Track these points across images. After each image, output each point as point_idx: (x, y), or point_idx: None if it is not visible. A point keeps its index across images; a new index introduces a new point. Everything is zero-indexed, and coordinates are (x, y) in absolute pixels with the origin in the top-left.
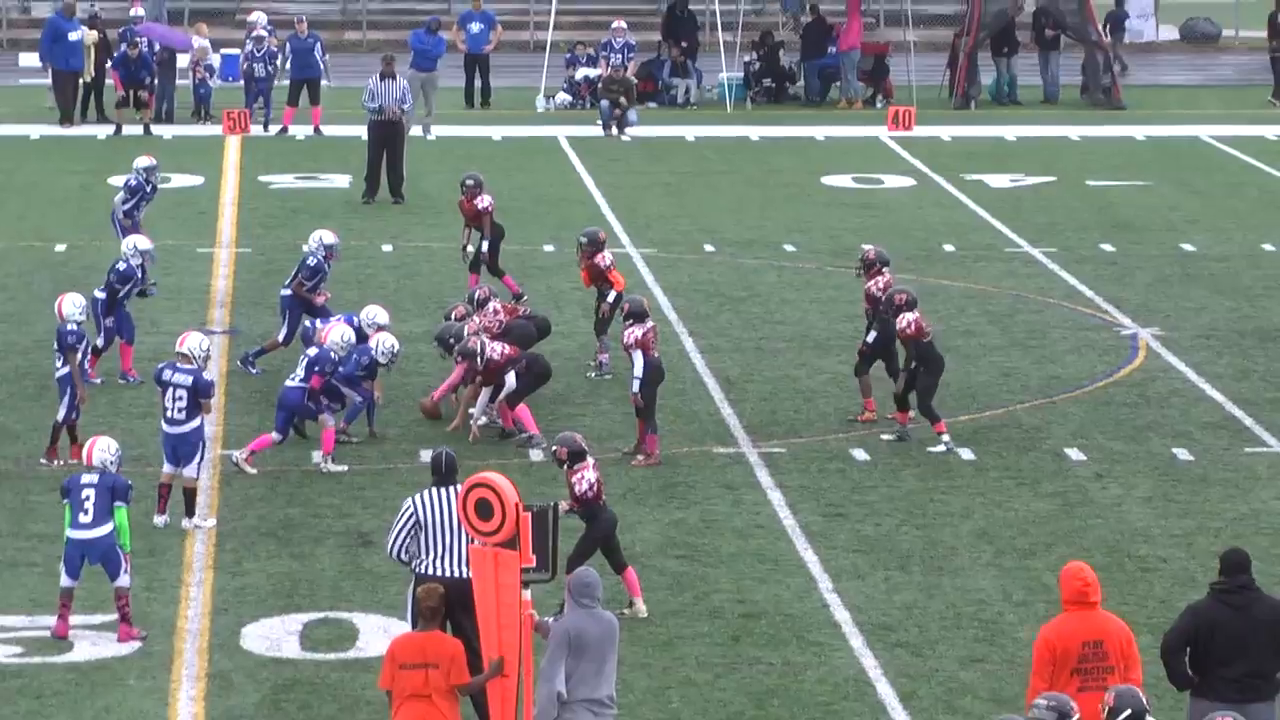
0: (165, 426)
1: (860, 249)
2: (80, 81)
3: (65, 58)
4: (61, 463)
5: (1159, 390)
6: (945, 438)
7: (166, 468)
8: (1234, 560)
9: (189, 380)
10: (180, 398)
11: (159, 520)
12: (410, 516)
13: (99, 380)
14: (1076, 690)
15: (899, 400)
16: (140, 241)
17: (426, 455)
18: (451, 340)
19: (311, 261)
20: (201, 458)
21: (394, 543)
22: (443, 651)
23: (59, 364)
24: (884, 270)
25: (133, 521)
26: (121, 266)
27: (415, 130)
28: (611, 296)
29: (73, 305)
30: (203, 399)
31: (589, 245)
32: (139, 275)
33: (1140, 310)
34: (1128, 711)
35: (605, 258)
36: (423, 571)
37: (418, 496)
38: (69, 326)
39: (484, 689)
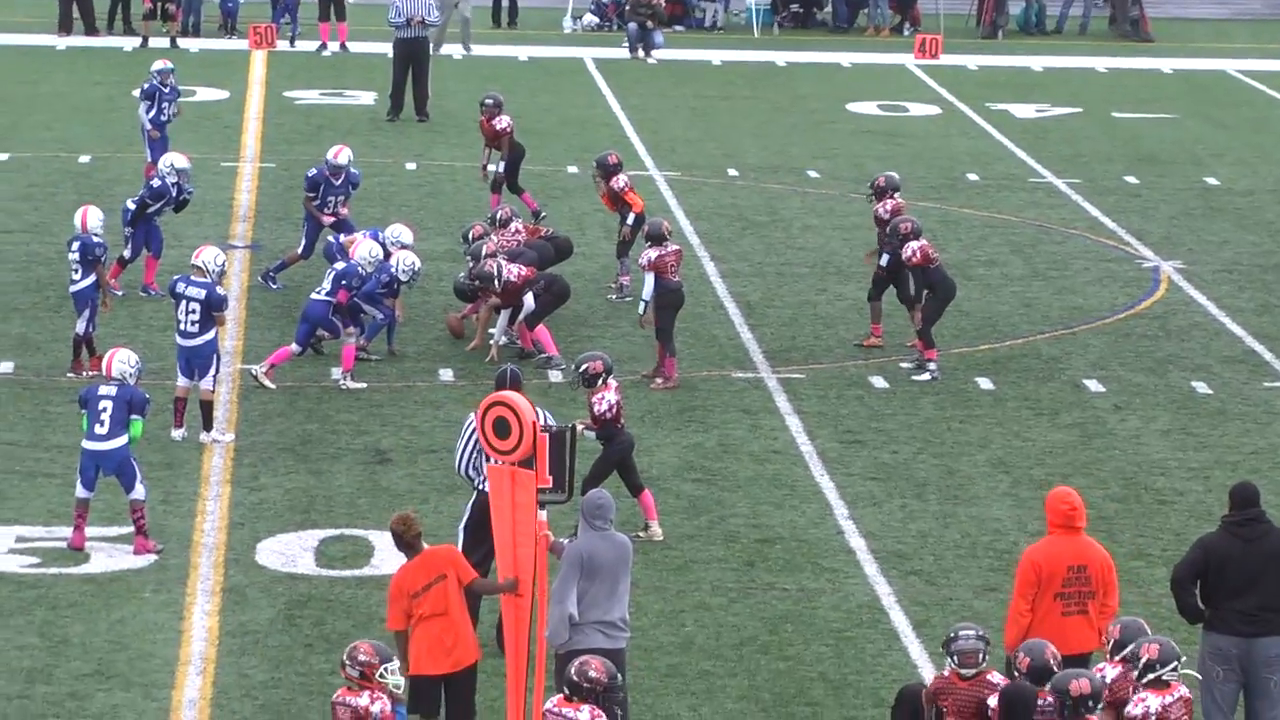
0: (179, 339)
1: (875, 176)
2: None
3: None
4: (86, 374)
5: (1179, 323)
6: (933, 366)
7: (181, 381)
8: (1244, 494)
9: (202, 293)
10: (193, 310)
11: (176, 434)
12: (472, 432)
13: (121, 292)
14: (1060, 614)
15: (924, 335)
16: (178, 160)
17: (446, 374)
18: (468, 276)
19: (311, 173)
20: (217, 370)
21: (461, 460)
22: (442, 558)
23: (75, 276)
24: (894, 195)
25: (149, 435)
26: (156, 183)
27: (453, 48)
28: (631, 219)
29: (96, 218)
30: (215, 312)
31: (600, 170)
32: (173, 194)
33: (1163, 243)
34: (1132, 645)
35: (620, 180)
36: (485, 489)
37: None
38: (94, 239)
39: (492, 594)
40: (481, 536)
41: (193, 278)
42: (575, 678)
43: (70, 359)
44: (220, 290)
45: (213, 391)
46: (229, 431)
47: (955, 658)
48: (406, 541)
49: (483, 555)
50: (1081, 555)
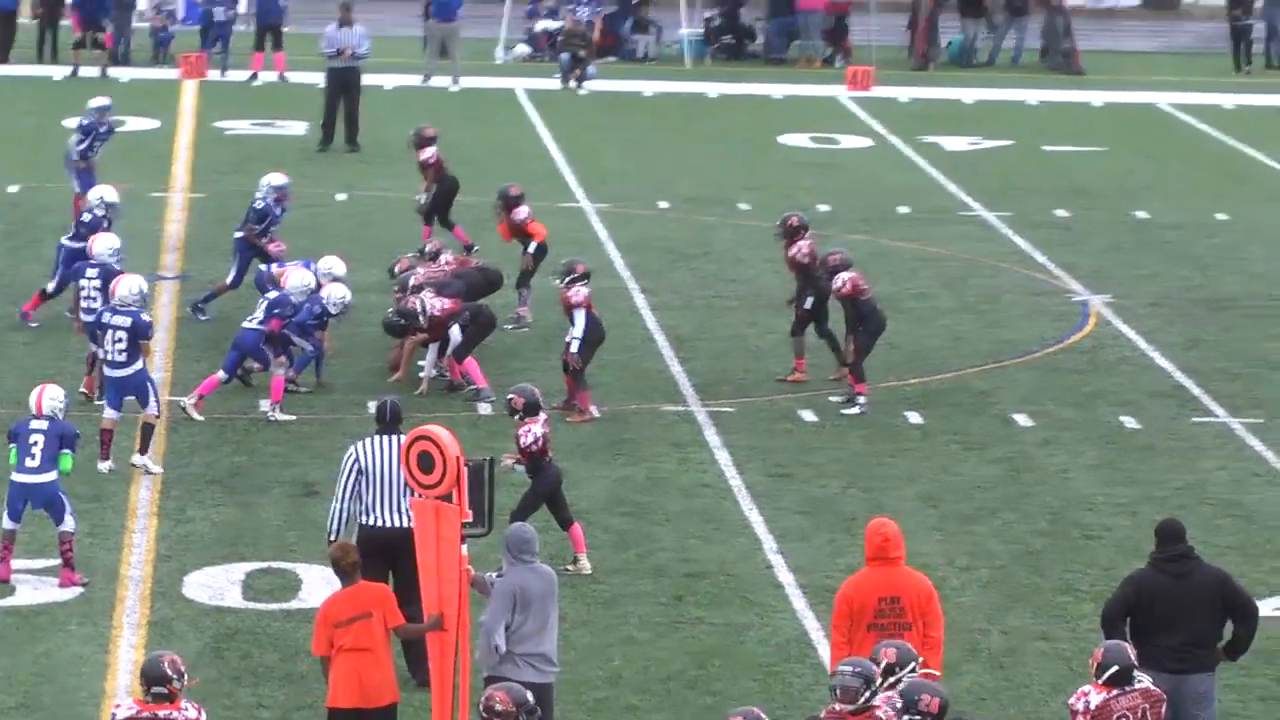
0: (107, 370)
1: (783, 215)
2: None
3: None
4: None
5: (1108, 358)
6: (862, 400)
7: (108, 413)
8: (1169, 530)
9: (128, 321)
10: (120, 339)
11: (103, 466)
12: (354, 462)
13: (35, 324)
14: (874, 645)
15: (855, 368)
16: (107, 193)
17: (374, 406)
18: (394, 313)
19: (259, 204)
20: (156, 396)
21: (342, 490)
22: (373, 597)
23: (95, 305)
24: (805, 234)
25: (77, 467)
26: (87, 218)
27: (442, 81)
28: (533, 247)
29: (105, 245)
30: (142, 340)
31: (502, 202)
32: (104, 226)
33: (1092, 277)
34: (910, 666)
35: (522, 211)
36: (365, 523)
37: (360, 444)
38: (113, 265)
39: (420, 638)
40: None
41: (117, 307)
42: (484, 713)
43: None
44: (145, 317)
45: (157, 417)
46: (157, 464)
47: (836, 692)
48: (343, 569)
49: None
50: (895, 586)
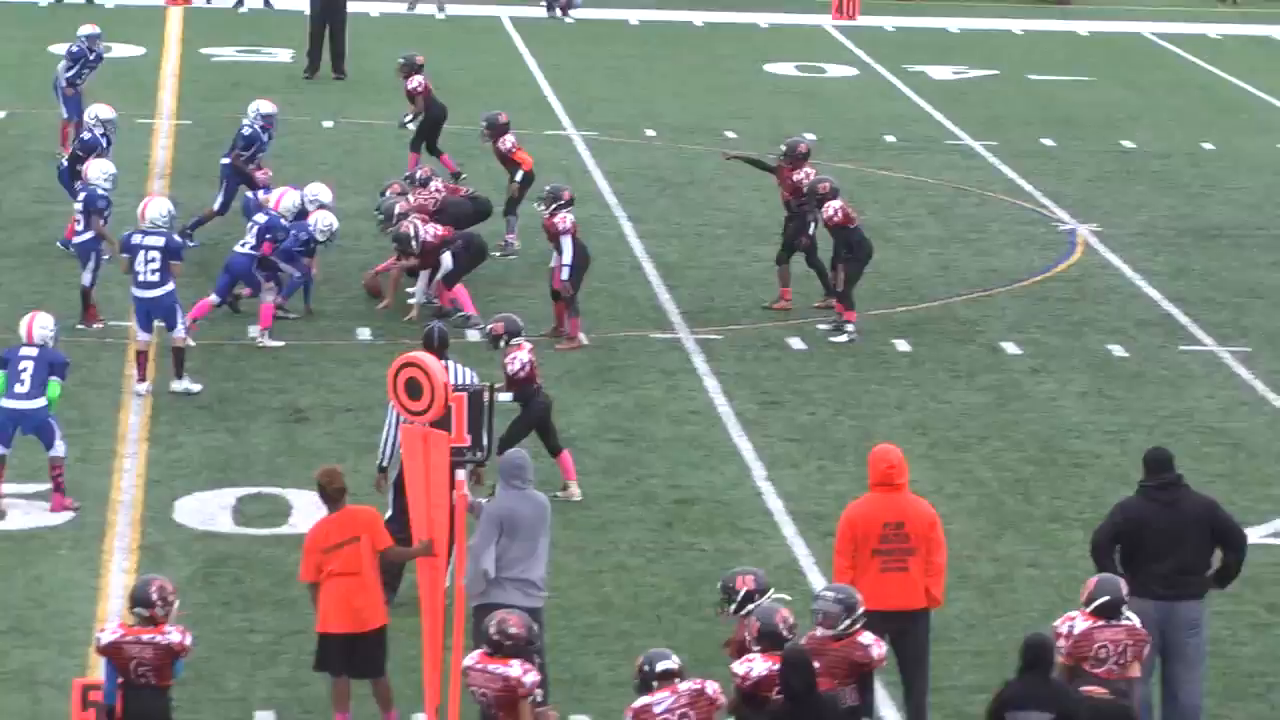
0: (137, 291)
1: (789, 140)
2: None
3: None
4: (101, 324)
5: (1096, 286)
6: (850, 328)
7: (141, 335)
8: (1157, 458)
9: (161, 241)
10: (153, 259)
11: (140, 388)
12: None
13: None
14: (879, 571)
15: (844, 297)
16: (103, 110)
17: (363, 332)
18: (385, 217)
19: (246, 130)
20: (181, 317)
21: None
22: (360, 521)
23: (79, 228)
24: (808, 163)
25: (66, 392)
26: (86, 136)
27: (428, 8)
28: (519, 176)
29: (99, 171)
30: (174, 261)
31: (489, 129)
32: (103, 144)
33: (1079, 206)
34: (769, 592)
35: (508, 140)
36: None
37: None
38: (98, 190)
39: (405, 562)
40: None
41: (147, 229)
42: (496, 635)
43: (81, 311)
44: (178, 238)
45: (185, 339)
46: (197, 383)
47: (818, 617)
48: (329, 494)
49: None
50: (899, 512)
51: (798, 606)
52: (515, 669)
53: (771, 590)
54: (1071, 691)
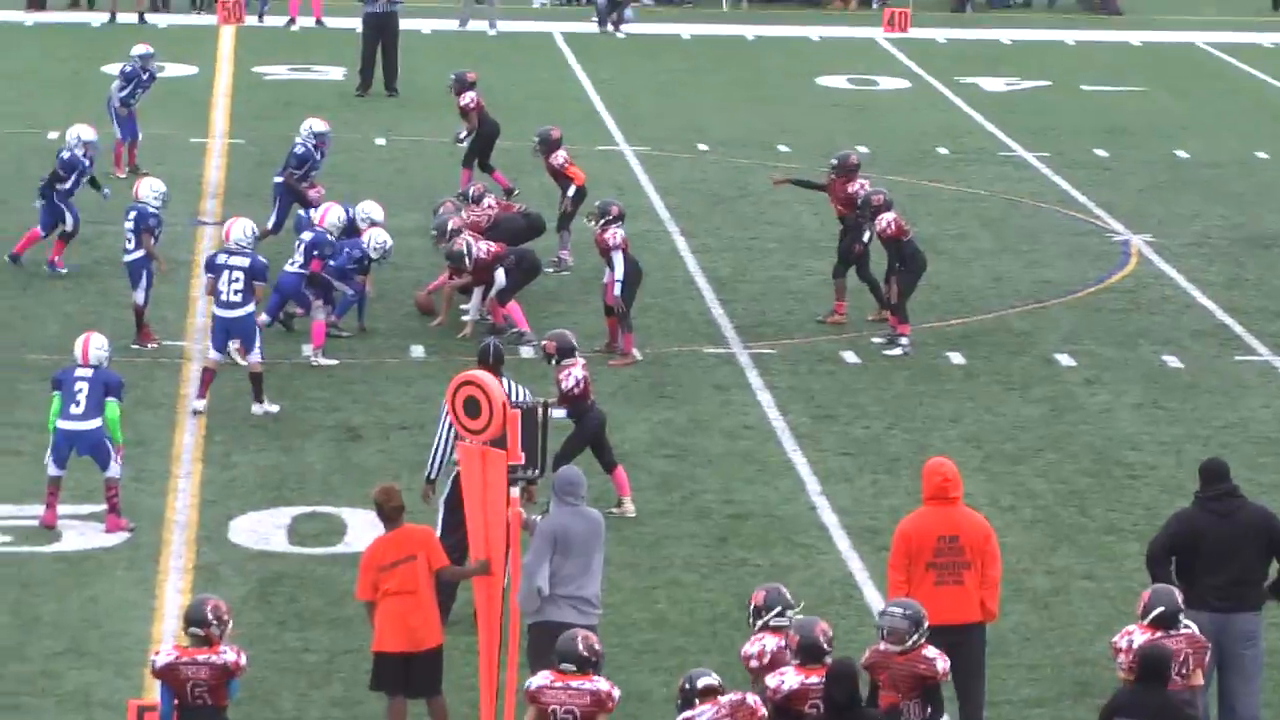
0: (219, 310)
1: (840, 153)
2: None
3: None
4: (157, 344)
5: (1150, 297)
6: (905, 341)
7: (212, 354)
8: (1213, 469)
9: (245, 262)
10: (237, 279)
11: (199, 404)
12: (448, 428)
13: (65, 270)
14: (933, 584)
15: (898, 310)
16: (84, 131)
17: (417, 350)
18: (439, 234)
19: (299, 149)
20: (260, 341)
21: (443, 431)
22: (417, 539)
23: (129, 246)
24: (859, 176)
25: (122, 413)
26: (65, 155)
27: (479, 25)
28: (572, 191)
29: (150, 189)
30: (258, 282)
31: (541, 145)
32: (84, 165)
33: (1132, 216)
34: (777, 609)
35: (560, 155)
36: None
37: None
38: (149, 208)
39: (459, 581)
40: (461, 514)
41: (232, 249)
42: (584, 652)
43: (135, 331)
44: (262, 260)
45: (261, 362)
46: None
47: (883, 632)
48: (386, 513)
49: (462, 535)
50: (954, 526)
51: (850, 621)
52: (603, 683)
53: (791, 605)
54: (1183, 707)
